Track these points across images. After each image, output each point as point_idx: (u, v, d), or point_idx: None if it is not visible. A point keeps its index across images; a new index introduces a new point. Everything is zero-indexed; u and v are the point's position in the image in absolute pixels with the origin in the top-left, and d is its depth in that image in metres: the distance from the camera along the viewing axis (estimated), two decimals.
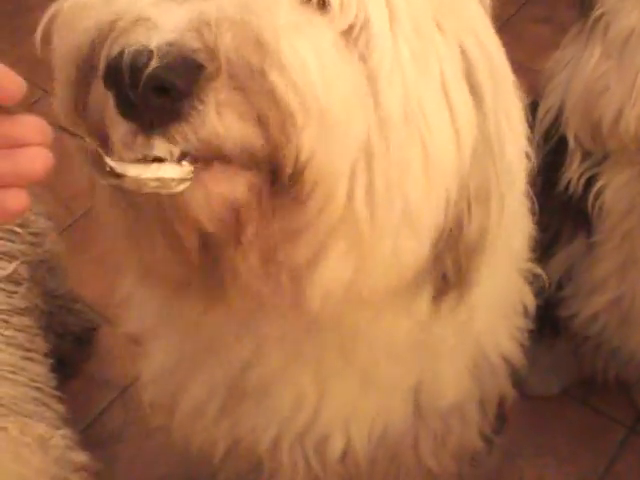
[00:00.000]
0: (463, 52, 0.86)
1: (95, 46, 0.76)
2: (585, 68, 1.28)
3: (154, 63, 0.69)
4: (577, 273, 1.55)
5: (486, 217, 0.91)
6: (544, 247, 1.52)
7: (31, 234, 1.59)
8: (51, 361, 1.49)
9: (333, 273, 0.84)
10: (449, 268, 0.91)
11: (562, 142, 1.39)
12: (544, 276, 1.21)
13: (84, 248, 2.10)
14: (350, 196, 0.79)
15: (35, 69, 2.93)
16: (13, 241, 1.51)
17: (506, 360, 1.22)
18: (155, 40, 0.71)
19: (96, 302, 1.98)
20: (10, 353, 1.35)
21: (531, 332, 1.89)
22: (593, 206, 1.40)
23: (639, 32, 1.19)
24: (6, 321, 1.39)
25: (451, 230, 0.88)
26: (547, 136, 1.44)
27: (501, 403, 1.29)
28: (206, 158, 0.76)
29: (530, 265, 1.19)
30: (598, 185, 1.38)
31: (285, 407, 1.13)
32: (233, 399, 1.16)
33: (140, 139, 0.75)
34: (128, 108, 0.73)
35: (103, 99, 0.77)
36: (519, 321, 1.22)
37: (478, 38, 0.88)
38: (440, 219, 0.87)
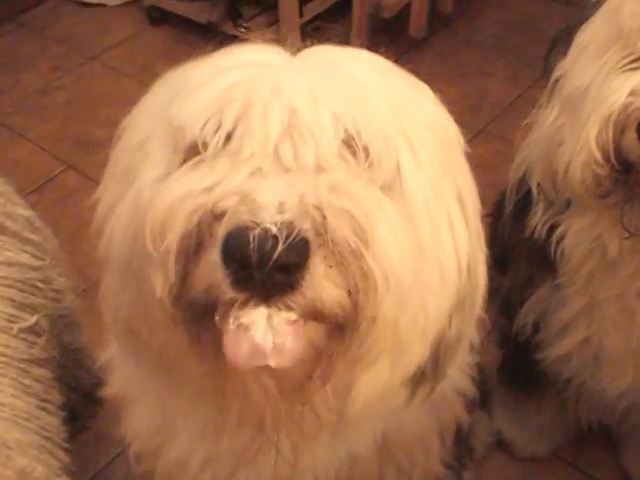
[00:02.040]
0: (456, 185, 1.03)
1: (201, 226, 0.87)
2: (545, 124, 1.39)
3: (280, 247, 0.81)
4: (549, 315, 1.63)
5: (462, 322, 1.05)
6: (519, 292, 1.63)
7: (52, 290, 1.67)
8: (64, 414, 1.54)
9: (373, 385, 0.98)
10: (428, 365, 1.04)
11: (530, 193, 1.50)
12: (486, 318, 1.27)
13: (95, 311, 2.19)
14: (394, 325, 0.93)
15: (59, 145, 3.10)
16: (36, 295, 1.59)
17: (460, 393, 1.31)
18: (273, 222, 0.83)
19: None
20: (26, 401, 1.41)
21: (518, 393, 1.98)
22: (556, 251, 1.49)
23: (587, 90, 1.30)
24: (26, 370, 1.46)
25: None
26: (518, 188, 1.56)
27: (459, 431, 1.37)
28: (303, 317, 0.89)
29: None
30: (559, 230, 1.48)
31: (267, 468, 1.21)
32: (215, 455, 1.24)
33: (253, 307, 0.86)
34: (246, 283, 0.84)
35: (211, 275, 0.86)
36: (468, 357, 1.30)
37: (462, 172, 1.05)
38: (443, 324, 1.02)
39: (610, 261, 1.46)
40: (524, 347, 1.73)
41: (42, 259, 1.64)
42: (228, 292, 0.85)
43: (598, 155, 1.27)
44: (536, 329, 1.67)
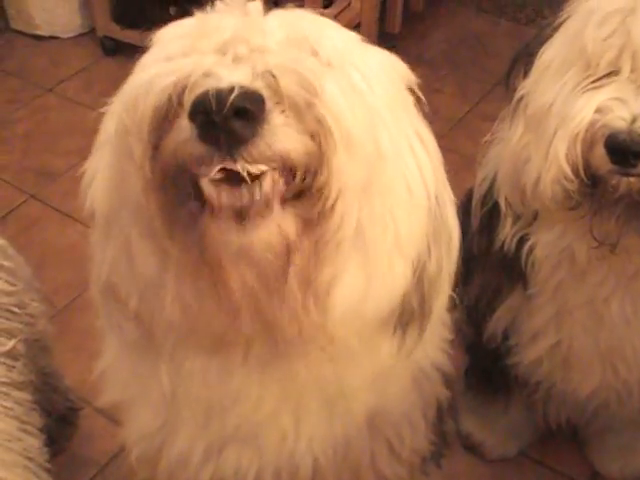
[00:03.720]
0: (414, 124, 1.12)
1: (172, 98, 0.96)
2: (511, 142, 1.44)
3: (235, 94, 0.90)
4: (519, 323, 1.69)
5: (441, 258, 1.12)
6: (488, 302, 1.69)
7: (27, 315, 1.71)
8: (44, 436, 1.57)
9: (349, 290, 1.03)
10: (414, 301, 1.11)
11: (496, 207, 1.56)
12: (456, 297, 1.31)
13: (64, 338, 2.24)
14: (359, 219, 1.00)
15: (20, 176, 3.09)
16: (12, 320, 1.62)
17: (438, 369, 1.38)
18: (231, 80, 0.93)
19: (75, 386, 2.09)
20: (7, 423, 1.44)
21: (486, 396, 2.04)
22: (526, 262, 1.56)
23: (551, 108, 1.35)
24: (6, 393, 1.48)
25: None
26: (483, 202, 1.62)
27: (439, 407, 1.43)
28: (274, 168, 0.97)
29: None
30: (529, 243, 1.54)
31: (270, 447, 1.27)
32: (216, 445, 1.30)
33: (217, 159, 0.94)
34: (211, 134, 0.92)
35: (181, 136, 0.95)
36: (444, 333, 1.37)
37: (419, 119, 1.15)
38: (420, 248, 1.08)
39: (579, 270, 1.51)
40: (493, 353, 1.79)
41: (15, 285, 1.67)
42: (196, 147, 0.94)
43: (568, 171, 1.32)
44: (505, 336, 1.73)
